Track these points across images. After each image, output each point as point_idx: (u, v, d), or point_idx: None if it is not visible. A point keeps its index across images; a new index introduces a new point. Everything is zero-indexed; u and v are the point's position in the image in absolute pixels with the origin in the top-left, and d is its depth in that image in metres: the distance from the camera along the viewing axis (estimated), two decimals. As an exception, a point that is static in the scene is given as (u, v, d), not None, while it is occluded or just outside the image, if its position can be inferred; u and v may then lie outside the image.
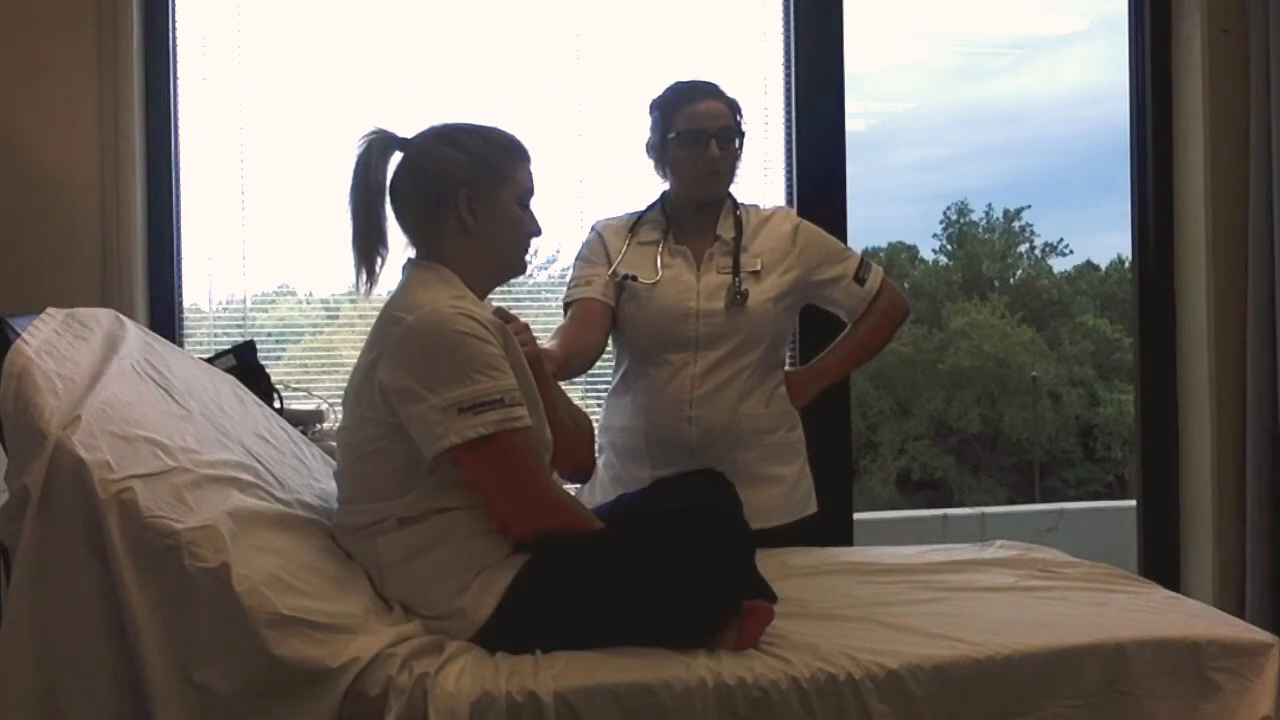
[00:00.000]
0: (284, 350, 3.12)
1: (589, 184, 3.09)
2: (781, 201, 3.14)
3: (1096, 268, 16.98)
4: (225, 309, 3.06)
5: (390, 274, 1.86)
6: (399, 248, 1.87)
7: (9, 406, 1.66)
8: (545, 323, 2.86)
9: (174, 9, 2.95)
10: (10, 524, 1.62)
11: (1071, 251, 17.14)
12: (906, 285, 15.51)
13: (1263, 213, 3.13)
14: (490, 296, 1.93)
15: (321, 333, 3.22)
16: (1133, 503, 3.62)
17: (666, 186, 2.50)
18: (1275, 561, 3.11)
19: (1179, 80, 3.30)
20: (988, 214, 17.53)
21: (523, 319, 1.95)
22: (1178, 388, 3.34)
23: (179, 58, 2.96)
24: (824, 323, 2.68)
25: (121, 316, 2.09)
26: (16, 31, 2.77)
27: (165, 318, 2.92)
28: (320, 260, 3.03)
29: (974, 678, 1.67)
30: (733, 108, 2.43)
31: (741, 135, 2.44)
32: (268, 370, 2.71)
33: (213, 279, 3.02)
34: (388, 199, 1.85)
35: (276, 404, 2.64)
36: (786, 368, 2.57)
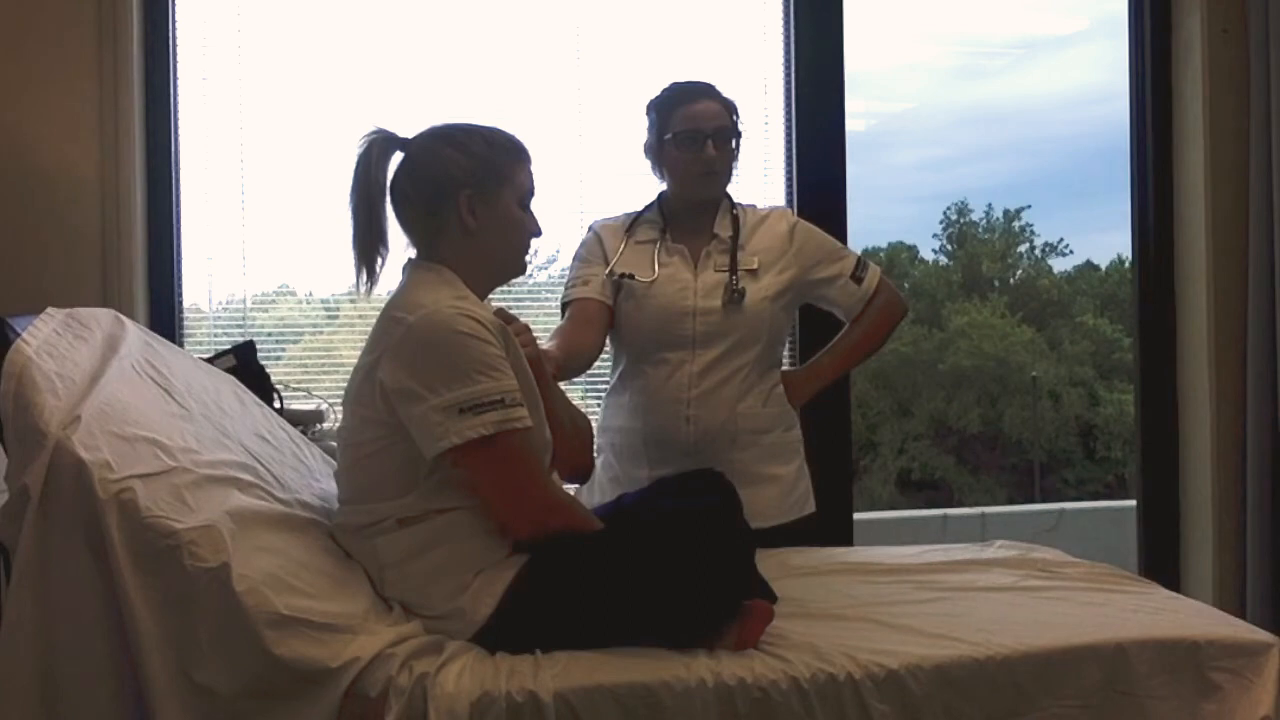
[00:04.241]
0: (284, 350, 3.12)
1: (589, 184, 3.09)
2: (781, 201, 3.14)
3: (1096, 268, 16.97)
4: (225, 309, 3.06)
5: (390, 274, 1.87)
6: (399, 248, 1.87)
7: (9, 406, 1.66)
8: (545, 323, 2.86)
9: (174, 9, 2.95)
10: (10, 524, 1.62)
11: (1071, 251, 17.11)
12: (906, 285, 15.50)
13: (1263, 213, 3.13)
14: (490, 297, 1.93)
15: (321, 333, 3.22)
16: (1133, 503, 3.62)
17: (664, 187, 2.50)
18: (1275, 561, 3.10)
19: (1179, 80, 3.30)
20: (988, 214, 17.52)
21: (523, 319, 1.95)
22: (1178, 388, 3.34)
23: (179, 58, 2.96)
24: (822, 322, 2.68)
25: (121, 316, 2.09)
26: (16, 33, 2.77)
27: (165, 318, 2.92)
28: (320, 260, 3.03)
29: (974, 678, 1.67)
30: (729, 108, 2.43)
31: (738, 136, 2.44)
32: (268, 370, 2.71)
33: (213, 279, 3.02)
34: (388, 199, 1.85)
35: (276, 404, 2.64)
36: (784, 368, 2.57)
